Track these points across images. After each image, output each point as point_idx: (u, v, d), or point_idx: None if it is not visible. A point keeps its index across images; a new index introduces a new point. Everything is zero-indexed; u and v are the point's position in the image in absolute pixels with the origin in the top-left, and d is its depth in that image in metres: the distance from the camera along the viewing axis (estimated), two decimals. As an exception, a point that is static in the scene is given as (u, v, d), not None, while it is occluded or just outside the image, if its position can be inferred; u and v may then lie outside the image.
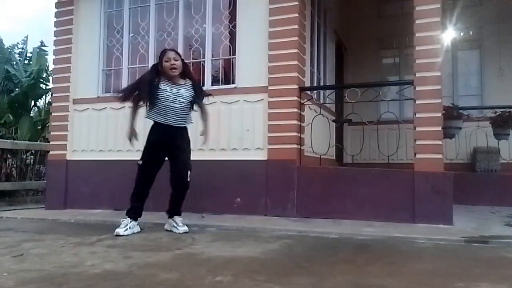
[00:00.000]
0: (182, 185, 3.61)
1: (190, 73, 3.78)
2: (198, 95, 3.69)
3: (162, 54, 3.66)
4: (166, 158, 3.70)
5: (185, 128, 3.70)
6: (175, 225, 3.63)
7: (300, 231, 3.59)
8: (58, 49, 5.66)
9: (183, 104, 3.60)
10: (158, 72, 3.64)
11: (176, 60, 3.59)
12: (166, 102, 3.56)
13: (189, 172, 3.60)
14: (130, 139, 3.75)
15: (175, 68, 3.58)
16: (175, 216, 3.68)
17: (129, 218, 3.62)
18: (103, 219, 4.44)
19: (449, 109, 5.42)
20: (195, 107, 3.73)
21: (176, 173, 3.61)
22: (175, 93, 3.58)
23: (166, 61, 3.58)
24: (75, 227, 4.15)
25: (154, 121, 3.63)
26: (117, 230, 3.52)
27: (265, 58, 4.60)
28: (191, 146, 3.76)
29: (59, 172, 5.44)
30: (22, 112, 9.98)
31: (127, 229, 3.54)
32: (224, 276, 2.19)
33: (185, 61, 3.79)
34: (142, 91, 3.60)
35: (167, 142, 3.61)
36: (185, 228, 3.61)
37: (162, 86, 3.58)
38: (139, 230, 3.67)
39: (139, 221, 3.72)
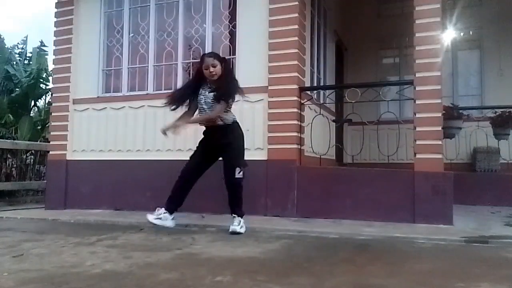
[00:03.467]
0: (230, 182, 3.59)
1: (227, 76, 3.73)
2: (216, 96, 3.67)
3: (201, 60, 3.74)
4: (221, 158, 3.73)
5: (227, 127, 3.67)
6: (231, 223, 3.58)
7: (300, 231, 3.59)
8: (58, 49, 5.66)
9: (209, 105, 3.65)
10: (201, 76, 3.71)
11: (214, 66, 3.63)
12: (199, 105, 3.70)
13: (237, 170, 3.55)
14: (164, 132, 3.73)
15: (213, 75, 3.65)
16: (235, 216, 3.61)
17: (163, 209, 3.61)
18: (103, 219, 4.44)
19: (449, 109, 5.43)
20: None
21: (224, 171, 3.63)
22: (206, 95, 3.68)
23: (206, 69, 3.65)
24: (75, 227, 4.15)
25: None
26: (148, 215, 3.55)
27: (265, 58, 4.60)
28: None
29: (59, 172, 5.44)
30: (22, 112, 9.98)
31: (158, 219, 3.55)
32: (224, 276, 2.19)
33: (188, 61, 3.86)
34: (182, 98, 3.77)
35: (210, 142, 3.71)
36: (235, 228, 3.50)
37: (200, 90, 3.71)
38: (172, 225, 3.61)
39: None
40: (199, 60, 3.89)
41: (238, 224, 3.55)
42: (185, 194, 3.72)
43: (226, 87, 3.67)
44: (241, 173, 3.56)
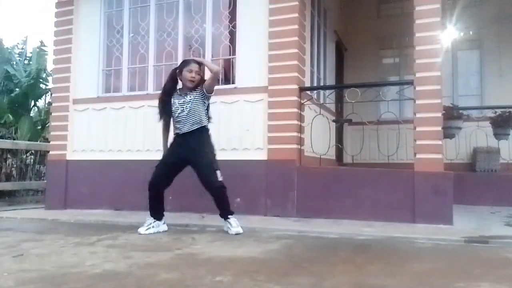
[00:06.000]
0: (212, 187, 3.57)
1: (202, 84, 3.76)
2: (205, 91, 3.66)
3: (186, 63, 3.71)
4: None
5: (200, 131, 3.65)
6: (229, 226, 3.58)
7: (300, 231, 3.59)
8: (58, 49, 5.66)
9: (189, 109, 3.61)
10: (175, 79, 3.73)
11: (198, 74, 3.66)
12: (176, 114, 3.67)
13: (217, 172, 3.56)
14: None
15: (193, 81, 3.65)
16: (228, 217, 3.62)
17: (152, 218, 3.68)
18: (103, 219, 4.44)
19: (449, 109, 5.42)
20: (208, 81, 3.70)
21: (202, 179, 3.61)
22: (181, 103, 3.65)
23: (188, 72, 3.63)
24: (75, 227, 4.15)
25: (175, 134, 3.73)
26: (139, 229, 3.60)
27: (265, 58, 4.60)
28: None
29: (59, 172, 5.44)
30: (22, 112, 9.96)
31: (149, 229, 3.61)
32: (224, 276, 2.19)
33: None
34: (160, 113, 3.76)
35: (182, 148, 3.65)
36: (238, 230, 3.53)
37: (173, 100, 3.68)
38: (166, 229, 3.71)
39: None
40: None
41: (237, 226, 3.57)
42: (163, 202, 3.76)
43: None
44: (221, 176, 3.58)
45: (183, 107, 3.62)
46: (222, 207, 3.65)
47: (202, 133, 3.67)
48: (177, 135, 3.70)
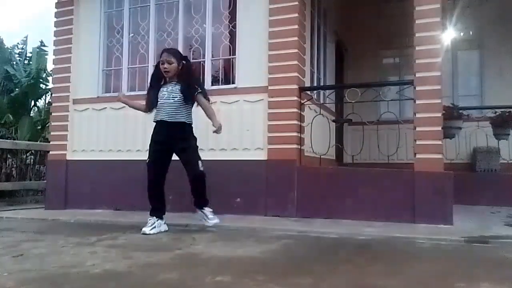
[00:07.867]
0: (196, 174, 3.60)
1: (187, 75, 3.77)
2: (185, 90, 3.67)
3: (159, 56, 3.80)
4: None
5: (184, 124, 3.70)
6: (205, 217, 3.62)
7: (300, 231, 3.59)
8: (58, 49, 5.66)
9: (175, 99, 3.66)
10: (156, 74, 3.82)
11: (170, 64, 3.69)
12: (161, 101, 3.71)
13: (199, 162, 3.62)
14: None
15: (167, 72, 3.71)
16: (204, 208, 3.65)
17: (154, 217, 3.67)
18: (103, 219, 4.44)
19: (449, 109, 5.42)
20: (199, 104, 3.77)
21: (188, 165, 3.65)
22: (169, 91, 3.70)
23: (162, 64, 3.71)
24: (75, 227, 4.15)
25: (154, 121, 3.76)
26: (144, 229, 3.59)
27: (265, 58, 4.60)
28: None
29: (59, 172, 5.44)
30: (22, 112, 9.97)
31: (153, 228, 3.61)
32: (224, 276, 2.19)
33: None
34: (146, 103, 3.88)
35: (168, 137, 3.67)
36: (215, 221, 3.59)
37: (161, 89, 3.76)
38: (166, 229, 3.71)
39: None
40: (196, 60, 3.91)
41: (213, 217, 3.63)
42: (164, 199, 3.79)
43: (194, 80, 3.85)
44: (202, 165, 3.63)
45: (169, 96, 3.67)
46: (200, 195, 3.66)
47: (186, 126, 3.72)
48: (160, 124, 3.69)
